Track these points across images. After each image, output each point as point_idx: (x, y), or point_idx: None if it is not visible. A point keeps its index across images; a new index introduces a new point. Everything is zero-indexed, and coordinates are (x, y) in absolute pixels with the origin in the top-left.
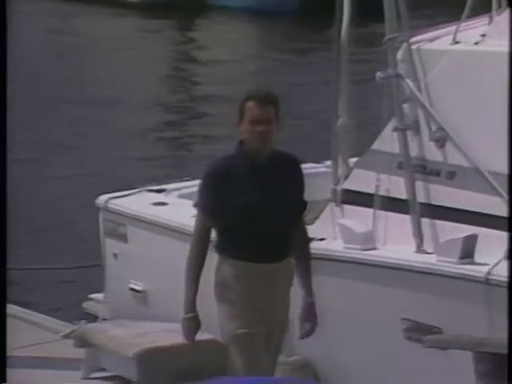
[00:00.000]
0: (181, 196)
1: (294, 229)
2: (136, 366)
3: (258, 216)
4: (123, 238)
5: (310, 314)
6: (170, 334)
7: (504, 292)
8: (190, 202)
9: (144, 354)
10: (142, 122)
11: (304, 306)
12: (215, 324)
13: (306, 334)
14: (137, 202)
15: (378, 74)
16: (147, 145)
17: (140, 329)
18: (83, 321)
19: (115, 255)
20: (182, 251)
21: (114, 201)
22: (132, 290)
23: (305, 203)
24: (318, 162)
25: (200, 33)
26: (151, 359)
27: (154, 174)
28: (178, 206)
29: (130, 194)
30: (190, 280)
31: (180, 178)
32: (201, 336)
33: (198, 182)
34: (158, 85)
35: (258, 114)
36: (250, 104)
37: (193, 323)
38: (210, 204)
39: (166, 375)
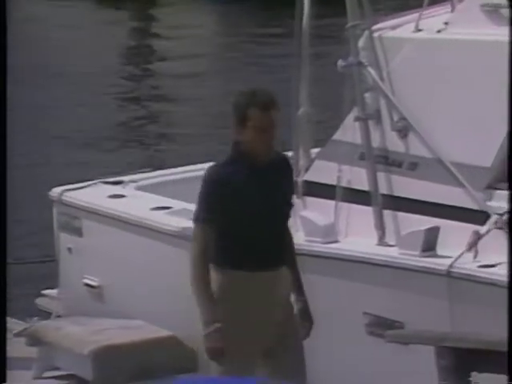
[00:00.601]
0: (138, 188)
1: (283, 232)
2: (91, 364)
3: (261, 222)
4: (78, 232)
5: (306, 313)
6: (126, 331)
7: (467, 284)
8: (148, 195)
9: (100, 352)
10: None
11: (298, 306)
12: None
13: (305, 335)
14: (92, 195)
15: (340, 62)
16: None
17: (95, 326)
18: (36, 318)
19: (69, 249)
20: (140, 245)
21: (68, 193)
22: (87, 285)
23: (291, 205)
24: None
25: (158, 20)
26: (107, 357)
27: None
28: (135, 198)
29: (85, 186)
30: (204, 301)
31: (138, 170)
32: (159, 333)
33: (157, 173)
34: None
35: (264, 122)
36: (254, 111)
37: (217, 336)
38: (211, 212)
39: (122, 373)
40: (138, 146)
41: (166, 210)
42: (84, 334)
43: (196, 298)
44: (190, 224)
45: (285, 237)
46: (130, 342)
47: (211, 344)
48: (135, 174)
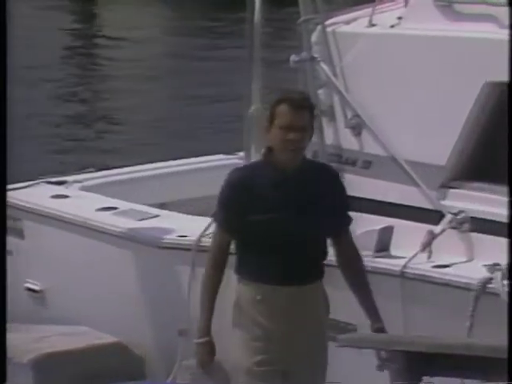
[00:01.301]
0: (83, 188)
1: (336, 248)
2: (31, 373)
3: (281, 233)
4: (19, 234)
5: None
6: (69, 338)
7: (420, 285)
8: (93, 195)
9: (40, 361)
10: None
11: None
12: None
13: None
14: (35, 195)
15: (292, 58)
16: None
17: (37, 333)
18: None
19: (10, 252)
20: (85, 247)
21: (9, 193)
22: (29, 289)
23: (348, 219)
24: (230, 154)
25: (106, 12)
26: (48, 366)
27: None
28: (79, 198)
29: (27, 186)
30: (205, 302)
31: (83, 169)
32: (104, 339)
33: (102, 173)
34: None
35: (290, 119)
36: (283, 108)
37: (207, 348)
38: (230, 218)
39: (65, 382)
40: (78, 147)
41: (112, 211)
42: (24, 342)
43: (200, 301)
44: (136, 225)
45: (320, 253)
46: (74, 349)
47: (199, 355)
48: (79, 173)
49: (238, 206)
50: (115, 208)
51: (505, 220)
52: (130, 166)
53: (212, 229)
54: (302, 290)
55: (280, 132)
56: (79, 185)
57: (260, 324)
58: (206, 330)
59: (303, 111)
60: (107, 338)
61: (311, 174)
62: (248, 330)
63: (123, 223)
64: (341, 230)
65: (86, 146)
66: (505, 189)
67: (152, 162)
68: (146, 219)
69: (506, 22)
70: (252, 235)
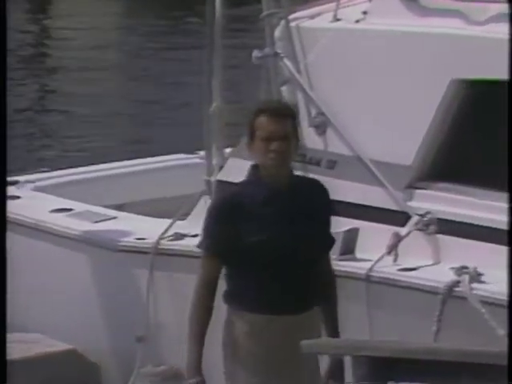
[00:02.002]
0: (35, 189)
1: (318, 268)
2: None
3: (275, 256)
4: None
5: (336, 370)
6: (22, 345)
7: (386, 289)
8: (47, 196)
9: None
10: None
11: (329, 361)
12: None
13: None
14: None
15: (255, 54)
16: None
17: None
18: None
19: None
20: (38, 251)
21: None
22: None
23: (332, 239)
24: (190, 153)
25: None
26: None
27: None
28: (32, 199)
29: None
30: (193, 340)
31: (36, 170)
32: (58, 346)
33: (56, 173)
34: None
35: (271, 129)
36: (262, 119)
37: None
38: (219, 243)
39: None
40: (26, 144)
41: (67, 213)
42: None
43: (188, 336)
44: (93, 227)
45: (317, 275)
46: (27, 357)
47: None
48: (32, 173)
49: (226, 229)
50: (70, 209)
51: (472, 221)
52: (85, 165)
53: (171, 231)
54: (300, 318)
55: (262, 144)
56: (32, 185)
57: (255, 357)
58: (197, 369)
59: (284, 120)
60: (61, 346)
61: (302, 189)
62: (242, 365)
63: (79, 225)
64: (325, 250)
65: (39, 143)
66: (472, 189)
67: (109, 162)
68: (103, 221)
69: (474, 17)
70: (243, 259)
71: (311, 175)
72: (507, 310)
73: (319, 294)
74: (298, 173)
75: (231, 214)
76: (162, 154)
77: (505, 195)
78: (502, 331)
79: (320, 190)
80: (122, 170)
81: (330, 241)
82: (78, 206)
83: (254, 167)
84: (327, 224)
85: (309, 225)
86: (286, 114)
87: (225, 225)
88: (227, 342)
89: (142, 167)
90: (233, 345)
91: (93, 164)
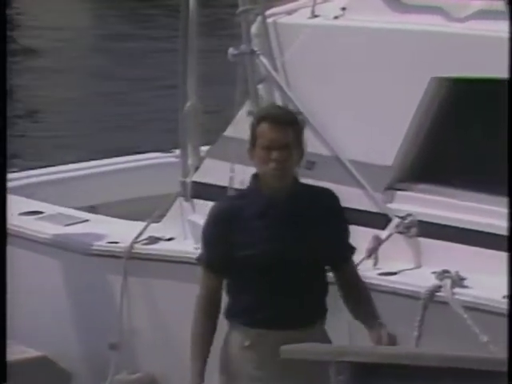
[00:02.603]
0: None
1: (338, 282)
2: None
3: (267, 270)
4: None
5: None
6: None
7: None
8: (16, 198)
9: None
10: None
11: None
12: None
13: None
14: None
15: (231, 51)
16: None
17: None
18: None
19: None
20: (6, 256)
21: None
22: None
23: (350, 248)
24: (165, 151)
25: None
26: None
27: None
28: None
29: None
30: (195, 358)
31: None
32: (28, 353)
33: (25, 173)
34: None
35: (271, 137)
36: (263, 126)
37: None
38: (216, 256)
39: None
40: None
41: (37, 215)
42: None
43: (190, 355)
44: (64, 230)
45: (321, 289)
46: None
47: None
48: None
49: (224, 241)
50: (40, 212)
51: (454, 224)
52: (56, 165)
53: (145, 234)
54: (297, 334)
55: (262, 152)
56: None
57: (248, 374)
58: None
59: (285, 127)
60: (32, 353)
61: (306, 198)
62: (238, 381)
63: (49, 229)
64: (341, 261)
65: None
66: (454, 191)
67: (80, 161)
68: (74, 224)
69: (455, 14)
70: (240, 272)
71: None
72: (507, 310)
73: (323, 307)
74: (306, 181)
75: (226, 225)
76: (136, 153)
77: (488, 197)
78: (485, 337)
79: (328, 199)
80: (94, 170)
81: (346, 251)
82: (49, 209)
83: (255, 177)
84: (338, 234)
85: (309, 236)
86: (287, 122)
87: (221, 237)
88: (221, 356)
89: (114, 167)
90: (226, 358)
91: (63, 164)
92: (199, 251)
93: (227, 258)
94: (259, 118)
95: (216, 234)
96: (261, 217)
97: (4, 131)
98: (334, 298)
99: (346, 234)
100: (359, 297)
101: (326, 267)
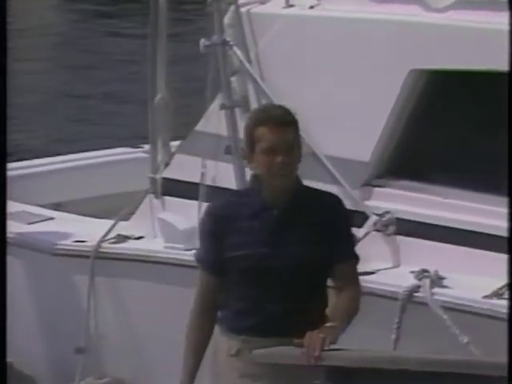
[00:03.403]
0: None
1: (335, 283)
2: None
3: (261, 273)
4: None
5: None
6: None
7: None
8: None
9: None
10: None
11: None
12: None
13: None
14: None
15: (202, 42)
16: None
17: None
18: None
19: None
20: None
21: None
22: None
23: (352, 253)
24: (134, 147)
25: None
26: None
27: None
28: None
29: None
30: (188, 355)
31: None
32: None
33: None
34: None
35: (274, 140)
36: (263, 130)
37: None
38: (212, 256)
39: None
40: None
41: None
42: None
43: (183, 359)
44: (27, 229)
45: (318, 295)
46: None
47: None
48: None
49: (218, 241)
50: None
51: (433, 222)
52: (19, 160)
53: (113, 233)
54: (287, 342)
55: (265, 157)
56: None
57: (234, 383)
58: None
59: (287, 128)
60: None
61: (308, 201)
62: None
63: (11, 227)
64: (339, 263)
65: None
66: (433, 187)
67: (45, 156)
68: (39, 222)
69: (434, 4)
70: (230, 274)
71: None
72: (507, 311)
73: (323, 317)
74: (309, 184)
75: (220, 225)
76: (103, 148)
77: (469, 193)
78: (465, 338)
79: (330, 202)
80: (60, 166)
81: (344, 253)
82: (11, 206)
83: (254, 177)
84: (339, 237)
85: (307, 241)
86: (288, 122)
87: (214, 236)
88: (210, 362)
89: (81, 162)
90: (214, 364)
91: (26, 159)
92: (197, 249)
93: (220, 258)
94: (258, 121)
95: (209, 232)
96: (254, 219)
97: (4, 124)
98: None
99: (347, 238)
100: (344, 300)
101: (326, 276)
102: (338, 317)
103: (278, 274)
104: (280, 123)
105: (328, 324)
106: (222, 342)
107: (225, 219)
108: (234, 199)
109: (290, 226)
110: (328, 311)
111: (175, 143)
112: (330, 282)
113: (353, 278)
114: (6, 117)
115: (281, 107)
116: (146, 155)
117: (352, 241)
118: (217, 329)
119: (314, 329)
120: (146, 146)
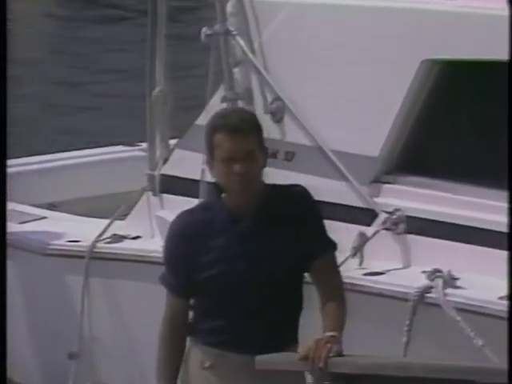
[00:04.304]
0: None
1: (315, 277)
2: None
3: (244, 288)
4: None
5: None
6: None
7: (351, 296)
8: None
9: None
10: None
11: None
12: None
13: None
14: None
15: (204, 31)
16: None
17: None
18: None
19: None
20: None
21: None
22: None
23: (328, 242)
24: (131, 145)
25: None
26: None
27: None
28: None
29: None
30: (161, 381)
31: None
32: None
33: None
34: None
35: (231, 148)
36: (220, 136)
37: None
38: (179, 278)
39: None
40: None
41: None
42: None
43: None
44: (19, 228)
45: (294, 304)
46: None
47: None
48: None
49: (185, 262)
50: None
51: (446, 219)
52: (11, 158)
53: (109, 232)
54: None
55: (223, 165)
56: None
57: None
58: None
59: (245, 135)
60: None
61: (274, 206)
62: None
63: None
64: (317, 256)
65: None
66: (445, 183)
67: (38, 154)
68: (31, 222)
69: None
70: (203, 293)
71: (267, 169)
72: (507, 310)
73: (297, 330)
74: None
75: (186, 245)
76: (99, 146)
77: (483, 190)
78: (480, 341)
79: (298, 197)
80: (54, 164)
81: (320, 245)
82: None
83: (215, 187)
84: (313, 231)
85: (281, 247)
86: (245, 128)
87: (180, 258)
88: (181, 375)
89: (76, 160)
90: (185, 377)
91: (20, 157)
92: (163, 271)
93: (189, 280)
94: (214, 128)
95: (176, 254)
96: (223, 234)
97: (4, 124)
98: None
99: (322, 229)
100: (331, 297)
101: (301, 281)
102: (337, 326)
103: (259, 286)
104: (236, 131)
105: (329, 333)
106: (193, 352)
107: (190, 239)
108: (197, 216)
109: (262, 236)
110: (323, 318)
111: (174, 141)
112: (308, 278)
113: (334, 268)
114: (5, 115)
115: (241, 112)
116: (144, 153)
117: (325, 230)
118: (190, 345)
119: (289, 344)
120: (144, 144)
